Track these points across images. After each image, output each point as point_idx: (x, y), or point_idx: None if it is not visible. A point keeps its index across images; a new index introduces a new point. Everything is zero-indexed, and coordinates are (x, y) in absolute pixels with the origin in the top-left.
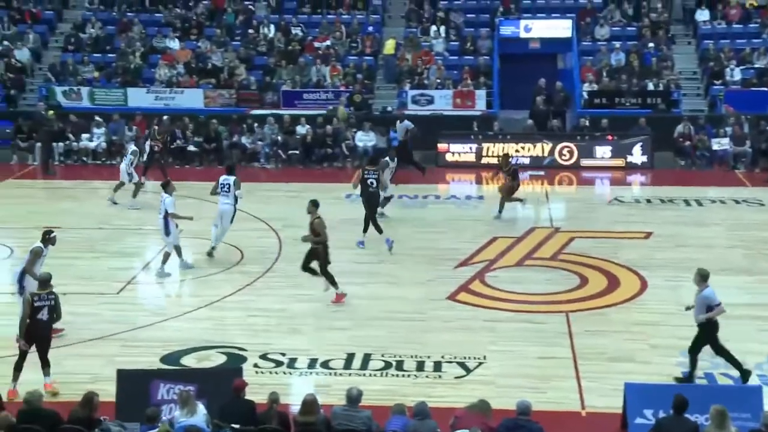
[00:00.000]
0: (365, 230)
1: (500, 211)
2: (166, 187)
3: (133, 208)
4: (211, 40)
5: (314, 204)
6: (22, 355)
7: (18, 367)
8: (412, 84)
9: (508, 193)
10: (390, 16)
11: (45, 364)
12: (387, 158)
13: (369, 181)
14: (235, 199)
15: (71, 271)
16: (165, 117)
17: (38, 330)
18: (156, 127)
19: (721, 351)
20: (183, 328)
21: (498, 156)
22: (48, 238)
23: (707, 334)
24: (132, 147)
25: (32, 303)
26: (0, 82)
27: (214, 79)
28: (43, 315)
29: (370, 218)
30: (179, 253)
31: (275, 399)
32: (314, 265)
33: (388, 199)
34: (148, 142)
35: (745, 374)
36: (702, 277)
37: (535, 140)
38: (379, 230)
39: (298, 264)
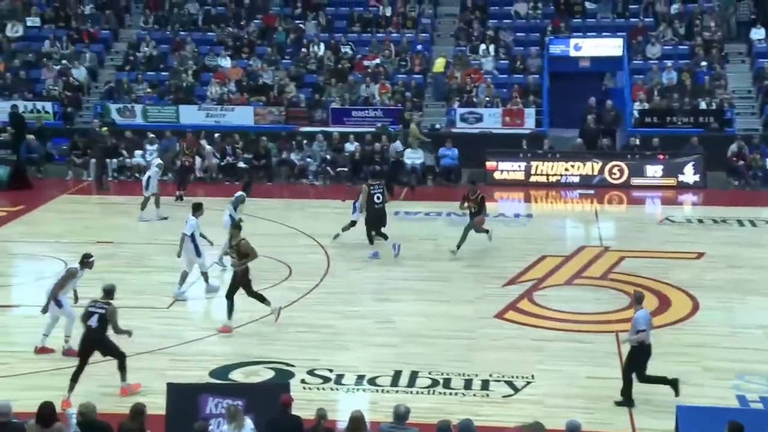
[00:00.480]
0: (372, 242)
1: (458, 246)
2: (196, 210)
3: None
4: (262, 58)
5: (237, 227)
6: (80, 367)
7: (74, 378)
8: (461, 102)
9: (478, 224)
10: (439, 35)
11: (119, 367)
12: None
13: (375, 196)
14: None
15: (123, 286)
16: (190, 132)
17: (88, 334)
18: (184, 143)
19: (646, 379)
20: (231, 342)
21: (470, 192)
22: (86, 262)
23: (635, 359)
24: (157, 161)
25: (87, 308)
26: (58, 99)
27: (265, 96)
28: (93, 322)
29: (370, 230)
30: (206, 278)
31: (323, 415)
32: (244, 288)
33: (353, 223)
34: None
35: (675, 384)
36: (637, 300)
37: (584, 159)
38: (371, 241)
39: (346, 280)
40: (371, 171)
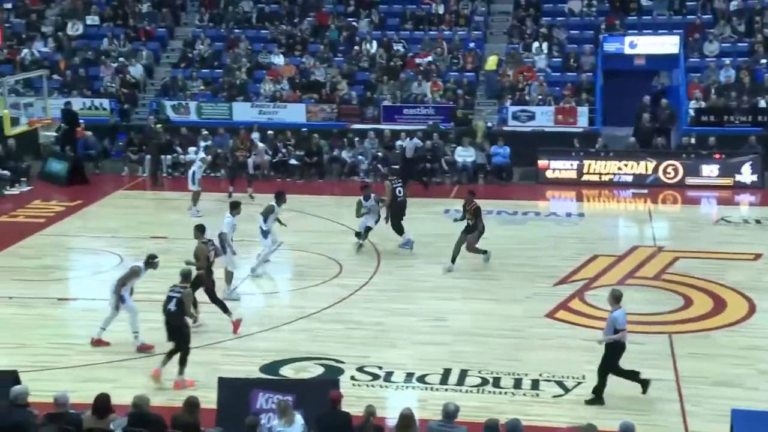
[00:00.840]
0: (401, 233)
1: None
2: (233, 209)
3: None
4: (314, 55)
5: (199, 229)
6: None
7: (169, 355)
8: (513, 100)
9: (475, 240)
10: (492, 33)
11: (179, 361)
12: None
13: (397, 190)
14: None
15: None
16: (243, 129)
17: (167, 318)
18: (237, 139)
19: (619, 372)
20: (282, 338)
21: (467, 202)
22: (151, 262)
23: (611, 354)
24: (201, 154)
25: (167, 293)
26: (115, 97)
27: (317, 94)
28: (171, 306)
29: (396, 223)
30: (228, 280)
31: (372, 412)
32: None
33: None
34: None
35: (645, 383)
36: (615, 299)
37: (638, 158)
38: (401, 231)
39: (396, 277)
40: (421, 169)
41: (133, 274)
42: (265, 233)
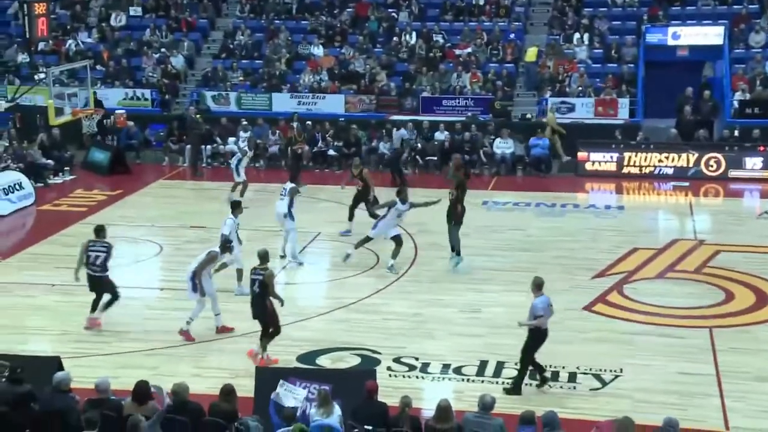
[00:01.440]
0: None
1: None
2: (234, 209)
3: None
4: (354, 46)
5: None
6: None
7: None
8: (553, 92)
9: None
10: (532, 24)
11: (262, 339)
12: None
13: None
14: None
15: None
16: (283, 120)
17: (253, 299)
18: (294, 133)
19: (529, 360)
20: (319, 328)
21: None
22: (227, 246)
23: (531, 343)
24: (243, 146)
25: (250, 276)
26: (156, 87)
27: (356, 85)
28: (256, 287)
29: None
30: (240, 277)
31: (408, 403)
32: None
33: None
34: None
35: (544, 380)
36: (536, 286)
37: (680, 150)
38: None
39: (433, 269)
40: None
41: (210, 259)
42: (291, 215)
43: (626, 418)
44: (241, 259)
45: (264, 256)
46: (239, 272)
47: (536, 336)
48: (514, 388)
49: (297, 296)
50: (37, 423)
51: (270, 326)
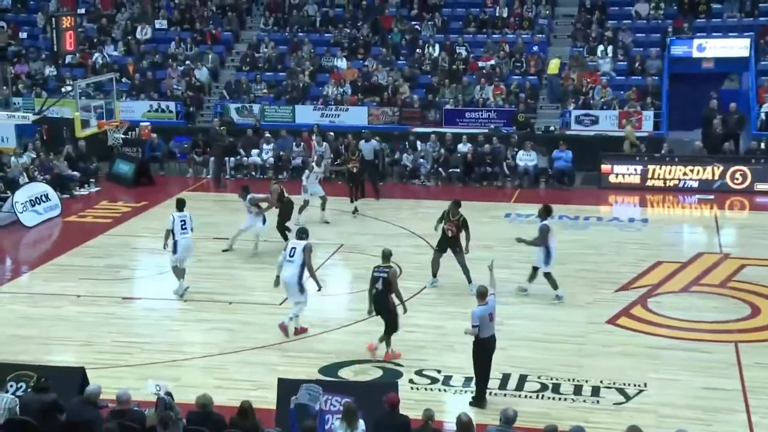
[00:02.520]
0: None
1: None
2: (178, 206)
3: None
4: (377, 59)
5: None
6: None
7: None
8: (577, 104)
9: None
10: (556, 36)
11: (385, 336)
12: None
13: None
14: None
15: (236, 281)
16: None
17: (376, 296)
18: (348, 151)
19: (478, 371)
20: (341, 340)
21: (451, 212)
22: (306, 232)
23: (475, 351)
24: (314, 167)
25: (372, 273)
26: (181, 99)
27: (379, 97)
28: (379, 285)
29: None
30: (180, 276)
31: (430, 416)
32: None
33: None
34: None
35: (481, 400)
36: (480, 295)
37: (705, 163)
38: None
39: (455, 281)
40: (482, 173)
41: (310, 251)
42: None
43: (633, 426)
44: (178, 257)
45: (387, 255)
46: (176, 271)
47: (476, 348)
48: (477, 400)
49: (319, 308)
50: None
51: (390, 322)
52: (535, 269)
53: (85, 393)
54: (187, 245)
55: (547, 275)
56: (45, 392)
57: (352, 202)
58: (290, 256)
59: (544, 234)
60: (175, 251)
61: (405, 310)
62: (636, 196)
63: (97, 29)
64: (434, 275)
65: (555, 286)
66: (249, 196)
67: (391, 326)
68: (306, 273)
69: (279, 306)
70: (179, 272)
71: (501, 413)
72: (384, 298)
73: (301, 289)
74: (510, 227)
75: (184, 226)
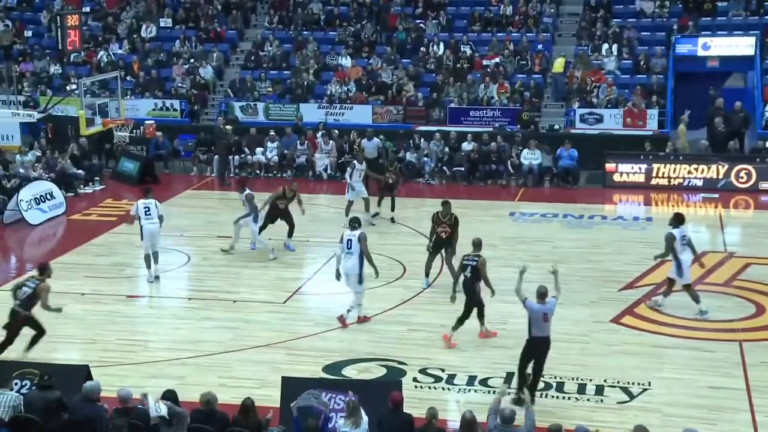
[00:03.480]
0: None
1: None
2: (145, 193)
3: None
4: (381, 57)
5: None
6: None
7: (462, 321)
8: (581, 102)
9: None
10: (560, 34)
11: (479, 317)
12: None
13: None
14: (161, 218)
15: (241, 280)
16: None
17: (464, 282)
18: (386, 162)
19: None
20: (345, 339)
21: (441, 214)
22: (357, 225)
23: (524, 346)
24: (357, 166)
25: (461, 261)
26: (185, 98)
27: (383, 95)
28: (468, 272)
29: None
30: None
31: (434, 414)
32: None
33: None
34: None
35: (519, 400)
36: (539, 294)
37: (709, 161)
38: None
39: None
40: (486, 171)
41: (366, 239)
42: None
43: (641, 427)
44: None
45: (478, 244)
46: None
47: (526, 343)
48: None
49: (323, 306)
50: (66, 431)
51: (473, 307)
52: (671, 281)
53: (83, 390)
54: (151, 231)
55: (687, 287)
56: (49, 390)
57: (378, 205)
58: (348, 248)
59: (668, 242)
60: (142, 238)
61: (492, 293)
62: (640, 194)
63: (102, 27)
64: (427, 275)
65: (696, 300)
66: (246, 192)
67: (479, 306)
68: (366, 262)
69: (283, 304)
70: (148, 260)
71: (499, 412)
72: (471, 285)
73: (360, 280)
74: (514, 226)
75: (148, 212)
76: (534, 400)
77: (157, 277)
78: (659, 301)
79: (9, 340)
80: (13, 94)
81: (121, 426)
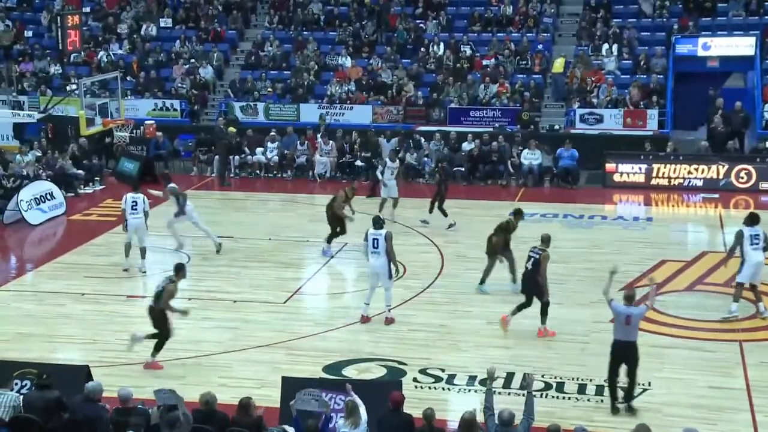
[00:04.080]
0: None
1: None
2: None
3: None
4: (381, 57)
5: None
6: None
7: (520, 309)
8: (581, 103)
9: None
10: (560, 35)
11: (540, 312)
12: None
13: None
14: (146, 213)
15: (241, 280)
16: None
17: (525, 274)
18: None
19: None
20: (345, 339)
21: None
22: (381, 224)
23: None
24: (388, 162)
25: (528, 253)
26: (186, 98)
27: (383, 95)
28: (529, 264)
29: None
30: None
31: (429, 414)
32: None
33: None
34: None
35: (614, 408)
36: (626, 297)
37: (710, 162)
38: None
39: (460, 280)
40: (486, 171)
41: (391, 238)
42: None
43: (643, 425)
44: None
45: (546, 239)
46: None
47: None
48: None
49: (323, 306)
50: (66, 431)
51: (535, 297)
52: (739, 284)
53: (85, 390)
54: (136, 225)
55: (738, 285)
56: (48, 389)
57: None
58: (374, 247)
59: (737, 239)
60: (125, 229)
61: (544, 298)
62: (641, 194)
63: (102, 27)
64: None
65: (735, 299)
66: (169, 186)
67: (544, 300)
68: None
69: (283, 304)
70: (127, 249)
71: (498, 415)
72: (532, 278)
73: (390, 276)
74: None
75: (134, 207)
76: (632, 407)
77: (144, 272)
78: (732, 309)
79: (164, 336)
80: (13, 94)
81: (122, 422)
